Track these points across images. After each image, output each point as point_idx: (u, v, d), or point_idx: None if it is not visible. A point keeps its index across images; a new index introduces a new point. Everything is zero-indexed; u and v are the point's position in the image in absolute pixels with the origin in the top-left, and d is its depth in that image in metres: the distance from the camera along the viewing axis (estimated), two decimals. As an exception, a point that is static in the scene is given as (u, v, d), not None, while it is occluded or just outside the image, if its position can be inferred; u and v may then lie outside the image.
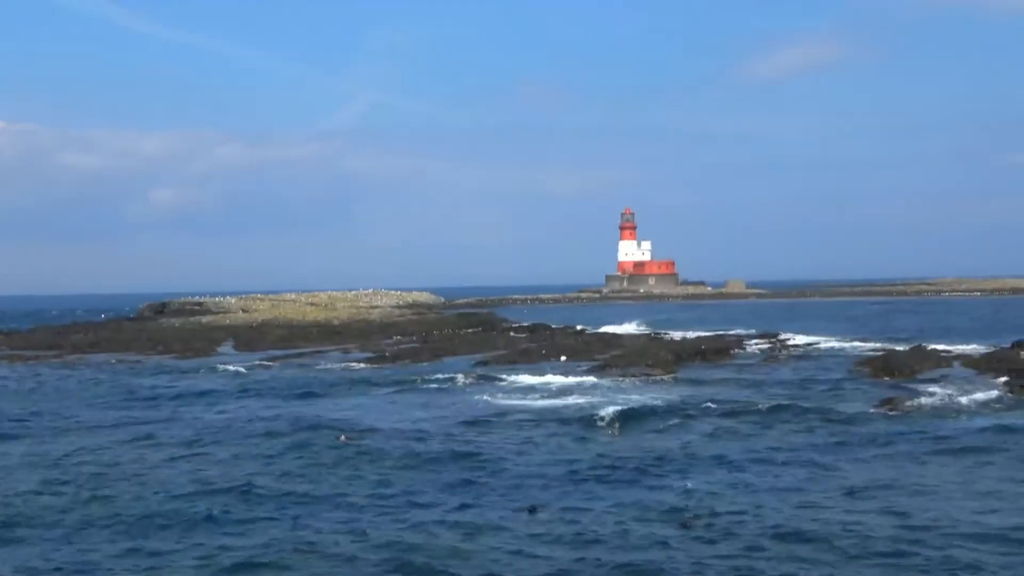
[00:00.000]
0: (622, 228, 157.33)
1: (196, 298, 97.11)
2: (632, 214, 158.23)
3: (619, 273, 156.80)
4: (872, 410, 25.82)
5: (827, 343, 52.45)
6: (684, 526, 14.03)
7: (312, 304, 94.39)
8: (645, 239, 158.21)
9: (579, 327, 66.22)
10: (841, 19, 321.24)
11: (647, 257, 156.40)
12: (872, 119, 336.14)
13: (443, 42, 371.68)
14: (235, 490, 16.63)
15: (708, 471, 18.18)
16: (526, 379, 34.40)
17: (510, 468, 18.53)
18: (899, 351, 41.77)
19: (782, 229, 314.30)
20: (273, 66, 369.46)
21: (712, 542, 13.21)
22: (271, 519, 14.80)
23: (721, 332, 59.37)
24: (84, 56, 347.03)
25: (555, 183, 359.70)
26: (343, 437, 21.39)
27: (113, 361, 47.76)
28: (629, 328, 67.14)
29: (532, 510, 15.04)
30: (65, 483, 17.43)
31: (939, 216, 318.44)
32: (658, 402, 27.48)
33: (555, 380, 34.10)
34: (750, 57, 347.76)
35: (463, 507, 15.40)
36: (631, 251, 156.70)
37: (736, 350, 48.21)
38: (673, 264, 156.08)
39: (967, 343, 48.11)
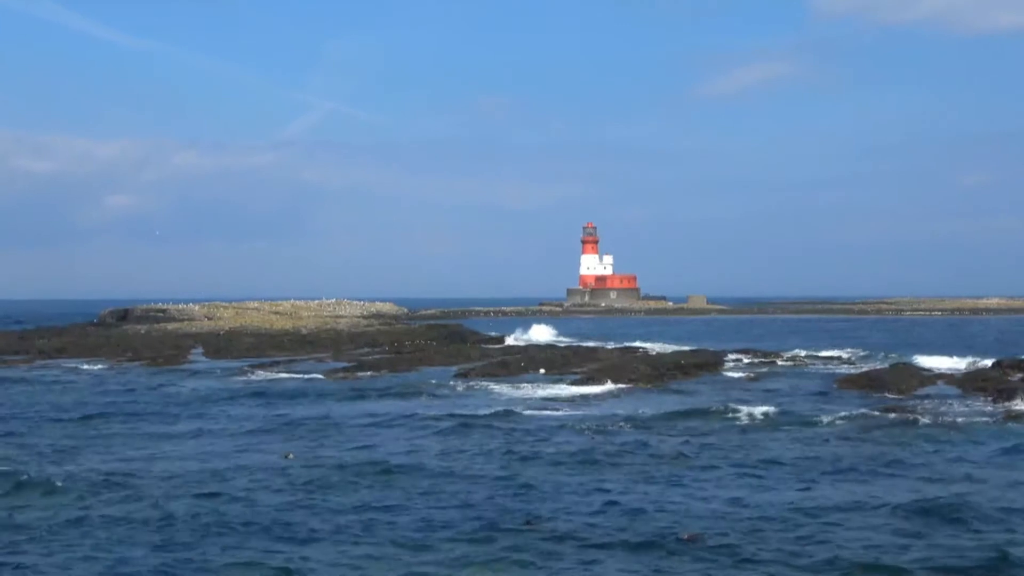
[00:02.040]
0: (584, 242, 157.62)
1: (159, 304, 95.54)
2: (594, 228, 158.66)
3: (581, 287, 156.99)
4: (873, 427, 25.76)
5: (803, 358, 52.75)
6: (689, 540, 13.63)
7: (277, 313, 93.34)
8: (607, 253, 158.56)
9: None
10: (798, 39, 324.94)
11: (609, 271, 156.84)
12: (830, 138, 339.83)
13: (400, 53, 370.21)
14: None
15: (721, 484, 17.97)
16: (518, 390, 34.21)
17: (540, 482, 18.14)
18: (881, 368, 42.01)
19: (741, 246, 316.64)
20: (230, 74, 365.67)
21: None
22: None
23: (696, 347, 59.22)
24: (39, 61, 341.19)
25: (514, 196, 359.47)
26: (290, 455, 20.42)
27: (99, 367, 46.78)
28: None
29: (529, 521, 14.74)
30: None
31: (897, 235, 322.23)
32: (661, 412, 27.45)
33: (548, 391, 34.00)
34: (708, 75, 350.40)
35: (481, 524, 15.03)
36: (593, 265, 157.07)
37: (716, 364, 48.12)
38: (635, 279, 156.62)
39: (942, 361, 48.62)
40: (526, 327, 76.81)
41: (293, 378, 39.96)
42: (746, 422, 26.21)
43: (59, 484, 16.79)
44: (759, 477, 18.56)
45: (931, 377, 40.49)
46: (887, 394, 34.36)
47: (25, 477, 17.37)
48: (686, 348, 57.12)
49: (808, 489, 17.45)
